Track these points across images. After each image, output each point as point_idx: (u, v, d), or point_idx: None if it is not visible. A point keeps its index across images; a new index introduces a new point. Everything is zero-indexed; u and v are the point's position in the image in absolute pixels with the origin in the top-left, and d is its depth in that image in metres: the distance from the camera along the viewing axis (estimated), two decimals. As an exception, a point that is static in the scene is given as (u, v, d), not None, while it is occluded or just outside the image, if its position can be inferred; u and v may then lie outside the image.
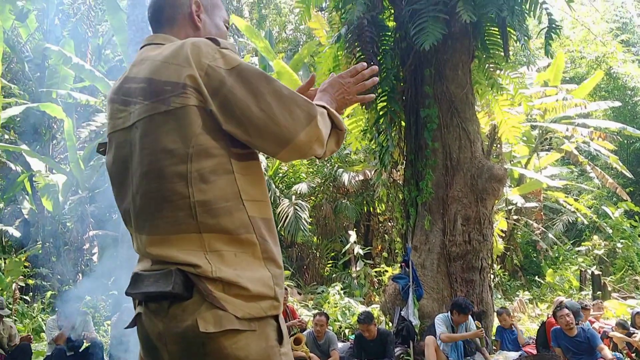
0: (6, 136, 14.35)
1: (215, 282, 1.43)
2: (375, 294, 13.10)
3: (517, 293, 14.30)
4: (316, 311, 8.97)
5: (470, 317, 7.00)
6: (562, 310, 6.94)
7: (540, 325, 8.60)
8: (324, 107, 1.61)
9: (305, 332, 7.41)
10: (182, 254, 1.45)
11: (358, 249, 13.64)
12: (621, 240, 16.15)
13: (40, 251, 12.95)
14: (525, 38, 7.92)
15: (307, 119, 1.49)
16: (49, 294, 12.13)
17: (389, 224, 15.19)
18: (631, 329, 8.28)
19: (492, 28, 8.33)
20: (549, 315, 7.97)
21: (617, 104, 17.92)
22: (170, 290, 1.41)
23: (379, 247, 15.28)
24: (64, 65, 12.94)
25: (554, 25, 7.85)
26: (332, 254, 15.04)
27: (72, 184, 13.41)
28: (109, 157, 1.65)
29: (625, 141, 19.97)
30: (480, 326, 7.01)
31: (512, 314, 9.08)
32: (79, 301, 7.77)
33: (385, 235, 15.30)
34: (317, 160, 14.75)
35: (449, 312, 6.96)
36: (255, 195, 1.53)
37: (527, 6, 7.83)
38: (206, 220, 1.45)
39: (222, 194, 1.47)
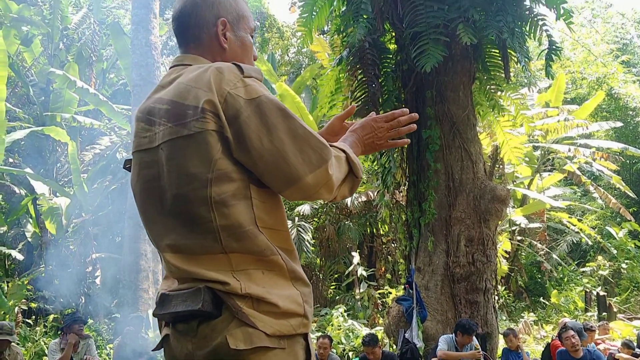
0: (10, 159, 14.43)
1: (245, 299, 1.42)
2: (379, 316, 13.02)
3: (522, 314, 14.20)
4: (319, 334, 8.92)
5: (475, 338, 6.95)
6: (567, 332, 6.89)
7: (545, 347, 8.54)
8: (344, 150, 1.61)
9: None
10: (210, 272, 1.44)
11: (361, 271, 13.59)
12: (626, 261, 16.09)
13: (43, 274, 12.93)
14: (526, 59, 7.96)
15: (318, 162, 1.48)
16: (51, 317, 12.09)
17: (392, 245, 15.15)
18: (637, 349, 8.21)
19: (493, 50, 8.40)
20: (554, 337, 7.91)
21: (619, 124, 17.97)
22: (199, 309, 1.41)
23: (383, 269, 15.21)
24: (68, 89, 13.07)
25: (554, 47, 7.91)
26: (336, 275, 14.99)
27: (75, 206, 13.44)
28: (134, 175, 1.65)
29: (628, 161, 19.97)
30: (479, 347, 6.94)
31: (518, 335, 9.01)
32: (83, 324, 7.72)
33: (389, 256, 15.24)
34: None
35: (454, 333, 6.93)
36: (271, 223, 1.52)
37: (528, 28, 7.89)
38: (231, 244, 1.45)
39: (243, 218, 1.46)
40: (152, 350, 1.72)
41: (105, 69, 17.76)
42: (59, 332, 8.10)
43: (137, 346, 7.77)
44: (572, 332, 6.79)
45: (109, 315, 12.55)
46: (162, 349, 1.60)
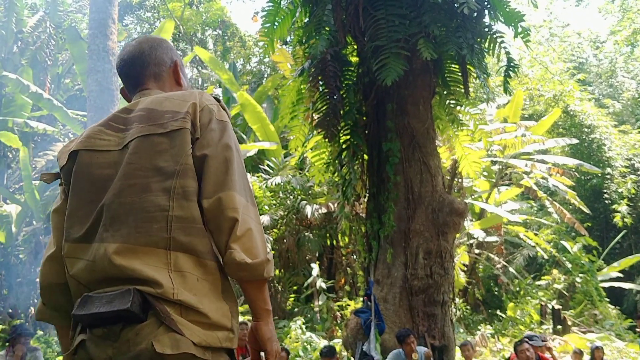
0: (-41, 165, 13.94)
1: (175, 306, 1.44)
2: (337, 328, 12.96)
3: (479, 327, 14.34)
4: (277, 347, 8.79)
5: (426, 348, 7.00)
6: (522, 345, 6.95)
7: (504, 360, 8.63)
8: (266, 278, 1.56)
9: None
10: (146, 268, 1.45)
11: (321, 283, 13.52)
12: (580, 275, 16.44)
13: (-10, 284, 12.48)
14: (485, 75, 8.08)
15: (247, 197, 1.58)
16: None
17: (352, 257, 15.14)
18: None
19: (453, 65, 8.49)
20: (512, 353, 8.00)
21: (575, 141, 18.43)
22: (127, 308, 1.39)
23: (342, 281, 15.18)
24: (21, 94, 12.73)
25: (512, 64, 8.04)
26: (295, 287, 14.88)
27: (26, 214, 13.03)
28: (77, 174, 1.65)
29: (583, 177, 20.48)
30: (416, 358, 6.93)
31: (474, 348, 9.08)
32: (30, 336, 7.44)
33: (348, 268, 15.23)
34: (280, 193, 14.69)
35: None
36: None
37: (487, 45, 8.02)
38: (179, 236, 1.49)
39: (198, 215, 1.52)
40: (63, 355, 1.67)
41: (60, 73, 17.38)
42: (6, 344, 7.81)
43: None
44: (526, 346, 6.85)
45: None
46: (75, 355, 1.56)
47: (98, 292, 1.48)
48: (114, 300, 1.43)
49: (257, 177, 15.24)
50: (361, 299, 10.27)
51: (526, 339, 7.09)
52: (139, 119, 1.62)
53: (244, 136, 17.55)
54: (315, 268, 13.74)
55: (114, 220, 1.52)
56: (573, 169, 17.25)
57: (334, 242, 15.23)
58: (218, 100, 1.71)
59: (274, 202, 14.77)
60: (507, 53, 7.95)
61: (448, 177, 9.22)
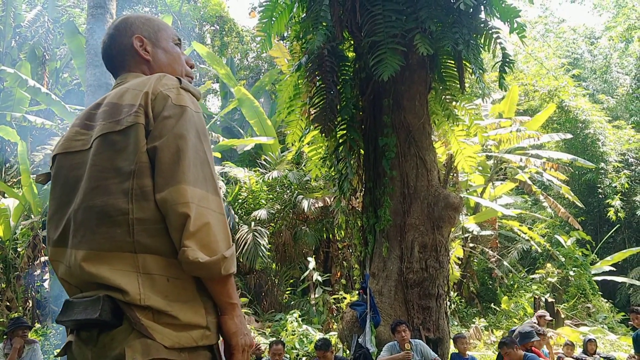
0: (-43, 159, 13.95)
1: (145, 310, 1.42)
2: (333, 321, 13.06)
3: (473, 320, 14.45)
4: (273, 339, 8.90)
5: (423, 342, 7.10)
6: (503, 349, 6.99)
7: (497, 354, 8.73)
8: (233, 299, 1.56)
9: (262, 361, 7.33)
10: (114, 274, 1.43)
11: (317, 276, 13.61)
12: (573, 269, 16.57)
13: (-12, 277, 12.52)
14: (480, 71, 8.13)
15: (202, 185, 1.48)
16: (-4, 321, 11.70)
17: (348, 251, 15.23)
18: (582, 355, 8.50)
19: (449, 61, 8.55)
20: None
21: (569, 136, 18.56)
22: (97, 317, 1.40)
23: (338, 274, 15.27)
24: (19, 88, 12.72)
25: (507, 60, 8.10)
26: (291, 281, 14.97)
27: (24, 208, 13.05)
28: (55, 178, 1.66)
29: (577, 172, 20.60)
30: (410, 349, 7.02)
31: (468, 340, 9.19)
32: (28, 329, 7.50)
33: (344, 262, 15.32)
34: (277, 187, 14.77)
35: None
36: None
37: (482, 40, 8.07)
38: (143, 239, 1.45)
39: (159, 215, 1.47)
40: (55, 357, 1.72)
41: (58, 68, 17.35)
42: (4, 337, 7.87)
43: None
44: (505, 350, 6.81)
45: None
46: (66, 355, 1.60)
47: (77, 298, 1.51)
48: (88, 307, 1.44)
49: (254, 171, 15.32)
50: (357, 292, 10.36)
51: (508, 340, 7.02)
52: (102, 115, 1.58)
53: (241, 130, 17.60)
54: (312, 261, 13.83)
55: (80, 225, 1.51)
56: (567, 164, 17.36)
57: (330, 236, 15.31)
58: (180, 81, 1.60)
59: (271, 196, 14.86)
60: (503, 49, 8.01)
61: (443, 172, 9.28)
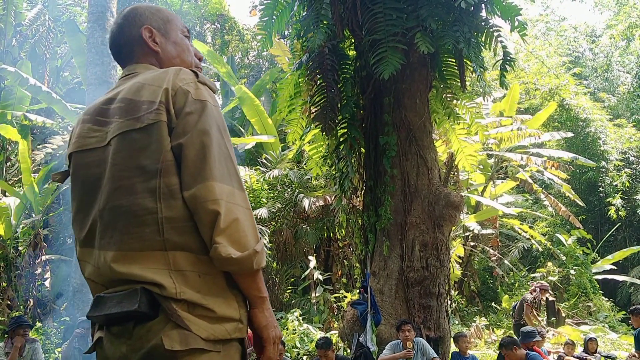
0: (-43, 157, 13.94)
1: (180, 302, 1.44)
2: (334, 320, 13.06)
3: (474, 319, 14.46)
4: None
5: (424, 341, 7.12)
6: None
7: (498, 353, 8.74)
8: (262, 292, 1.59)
9: None
10: (146, 272, 1.44)
11: (318, 275, 13.61)
12: (574, 267, 16.56)
13: (-11, 276, 12.53)
14: (481, 69, 8.13)
15: (229, 180, 1.49)
16: (-3, 320, 11.71)
17: (349, 249, 15.23)
18: (583, 353, 8.49)
19: (450, 59, 8.55)
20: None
21: (570, 134, 18.54)
22: (136, 309, 1.41)
23: (339, 273, 15.28)
24: (20, 87, 12.72)
25: (508, 58, 8.09)
26: (292, 279, 14.97)
27: (25, 207, 13.06)
28: (74, 176, 1.65)
29: (578, 171, 20.59)
30: (410, 347, 7.03)
31: (469, 339, 9.20)
32: (29, 328, 7.51)
33: (345, 260, 15.32)
34: (278, 186, 14.76)
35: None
36: None
37: (483, 39, 8.06)
38: (172, 237, 1.46)
39: (188, 212, 1.48)
40: (85, 353, 1.72)
41: (59, 66, 17.35)
42: (5, 336, 7.87)
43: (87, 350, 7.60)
44: (504, 351, 6.83)
45: (58, 318, 12.24)
46: (95, 352, 1.60)
47: (108, 292, 1.51)
48: (123, 300, 1.45)
49: (255, 170, 15.31)
50: (357, 291, 10.36)
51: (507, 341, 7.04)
52: (118, 111, 1.57)
53: (242, 129, 17.59)
54: (312, 260, 13.83)
55: (107, 226, 1.51)
56: (568, 162, 17.36)
57: (331, 234, 15.32)
58: (196, 74, 1.59)
59: (272, 195, 14.85)
60: (504, 47, 8.00)
61: (444, 170, 9.29)
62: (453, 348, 8.47)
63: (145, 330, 1.44)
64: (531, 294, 11.09)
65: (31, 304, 12.62)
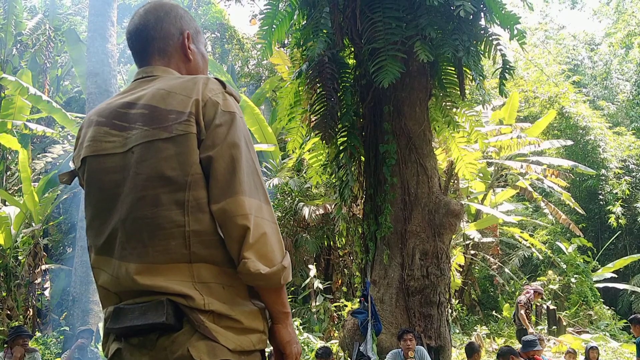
0: (-43, 167, 13.95)
1: (207, 314, 1.43)
2: (334, 329, 13.01)
3: (475, 327, 14.40)
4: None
5: (424, 350, 7.09)
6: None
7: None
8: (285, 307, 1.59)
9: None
10: (171, 284, 1.43)
11: (318, 284, 13.57)
12: (575, 276, 16.51)
13: (-11, 286, 12.50)
14: (481, 78, 8.14)
15: (258, 195, 1.49)
16: (-3, 330, 11.67)
17: (349, 258, 15.20)
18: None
19: (449, 67, 8.56)
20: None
21: (570, 142, 18.54)
22: (163, 322, 1.40)
23: (339, 282, 15.23)
24: (20, 96, 12.74)
25: (508, 66, 8.11)
26: (292, 288, 14.93)
27: (25, 216, 13.05)
28: (89, 181, 1.60)
29: (578, 179, 20.58)
30: (412, 356, 7.00)
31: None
32: (29, 337, 7.48)
33: (345, 269, 15.28)
34: (278, 194, 14.75)
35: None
36: None
37: (483, 47, 8.08)
38: (199, 250, 1.45)
39: (214, 226, 1.47)
40: None
41: (59, 76, 17.39)
42: (4, 345, 7.85)
43: (87, 360, 7.59)
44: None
45: (58, 328, 12.20)
46: None
47: (129, 304, 1.48)
48: (148, 312, 1.42)
49: (255, 178, 15.27)
50: (358, 299, 10.34)
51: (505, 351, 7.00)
52: (142, 118, 1.52)
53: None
54: (313, 269, 13.80)
55: (130, 237, 1.48)
56: (568, 171, 17.35)
57: (331, 243, 15.29)
58: (223, 83, 1.57)
59: (272, 203, 14.79)
60: (503, 55, 8.02)
61: (444, 179, 9.29)
62: (454, 357, 8.43)
63: (170, 342, 1.42)
64: (524, 295, 11.11)
65: (31, 313, 12.59)
